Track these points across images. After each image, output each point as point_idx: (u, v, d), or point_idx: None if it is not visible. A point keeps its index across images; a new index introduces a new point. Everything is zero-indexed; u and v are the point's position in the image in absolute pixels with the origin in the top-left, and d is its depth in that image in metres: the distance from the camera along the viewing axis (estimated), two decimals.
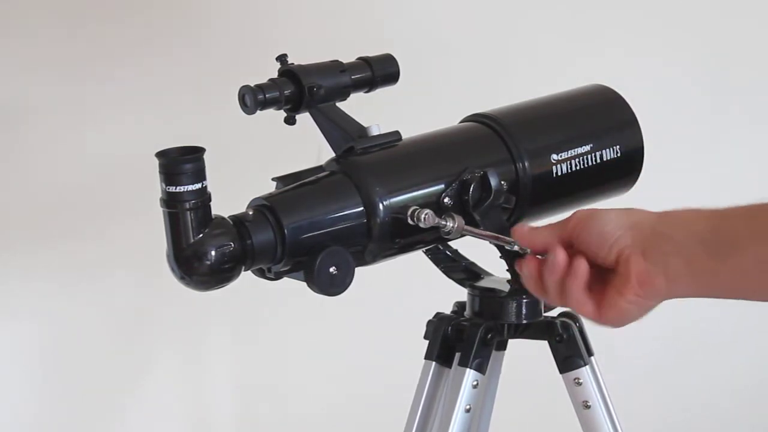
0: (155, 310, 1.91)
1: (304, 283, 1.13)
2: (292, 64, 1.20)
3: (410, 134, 1.23)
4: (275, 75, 1.20)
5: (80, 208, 1.85)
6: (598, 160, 1.27)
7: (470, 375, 1.25)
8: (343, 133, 1.19)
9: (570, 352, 1.27)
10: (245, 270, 1.13)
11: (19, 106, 1.79)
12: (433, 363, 1.30)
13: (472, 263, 1.32)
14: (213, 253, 1.09)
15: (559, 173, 1.25)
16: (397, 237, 1.17)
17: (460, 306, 1.32)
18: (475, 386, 1.25)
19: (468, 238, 1.20)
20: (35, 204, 1.82)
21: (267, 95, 1.17)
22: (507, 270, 1.25)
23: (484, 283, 1.29)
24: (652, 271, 1.04)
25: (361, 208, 1.15)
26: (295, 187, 1.16)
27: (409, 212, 1.16)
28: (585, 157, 1.26)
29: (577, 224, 1.08)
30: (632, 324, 2.12)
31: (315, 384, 2.06)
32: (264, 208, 1.13)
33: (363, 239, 1.16)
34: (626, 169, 1.30)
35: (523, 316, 1.27)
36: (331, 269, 1.12)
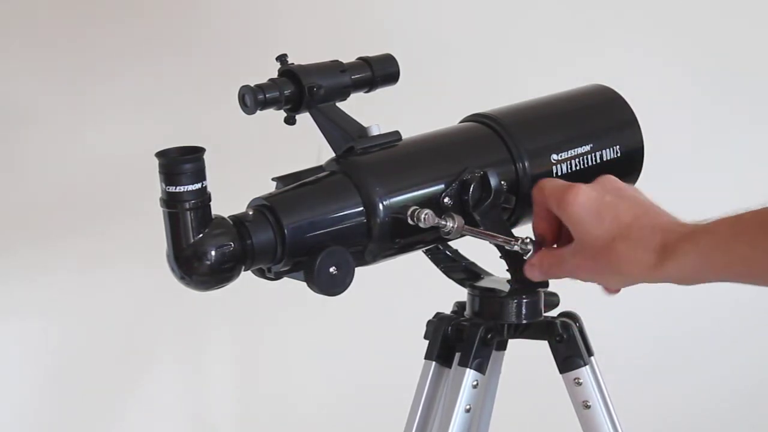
0: (155, 310, 1.91)
1: (304, 283, 1.13)
2: (292, 64, 1.20)
3: (410, 134, 1.23)
4: (275, 75, 1.20)
5: (80, 208, 1.85)
6: (598, 160, 1.27)
7: (470, 375, 1.25)
8: (343, 133, 1.19)
9: (570, 352, 1.26)
10: (245, 270, 1.13)
11: (20, 107, 1.79)
12: (433, 363, 1.30)
13: (472, 263, 1.32)
14: (213, 253, 1.09)
15: (560, 173, 1.25)
16: (397, 237, 1.17)
17: (460, 306, 1.32)
18: (475, 386, 1.25)
19: (468, 238, 1.20)
20: (35, 204, 1.82)
21: (267, 95, 1.17)
22: (507, 270, 1.25)
23: (484, 283, 1.29)
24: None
25: (361, 208, 1.15)
26: (295, 187, 1.16)
27: (409, 212, 1.16)
28: (585, 157, 1.26)
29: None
30: (632, 324, 2.12)
31: (315, 384, 2.06)
32: (264, 208, 1.13)
33: (363, 239, 1.16)
34: (626, 169, 1.30)
35: (523, 316, 1.27)
36: (331, 269, 1.12)
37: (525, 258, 1.21)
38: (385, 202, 1.16)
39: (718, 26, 2.20)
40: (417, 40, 1.94)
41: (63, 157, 1.83)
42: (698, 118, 2.25)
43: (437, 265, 1.31)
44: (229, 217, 1.12)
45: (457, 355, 1.27)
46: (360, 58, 1.24)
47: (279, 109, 1.19)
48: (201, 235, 1.09)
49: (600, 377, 1.29)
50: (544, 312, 1.29)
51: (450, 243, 1.29)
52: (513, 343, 1.31)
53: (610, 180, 1.19)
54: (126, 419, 1.97)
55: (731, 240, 1.05)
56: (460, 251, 1.31)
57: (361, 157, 1.18)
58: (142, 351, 1.94)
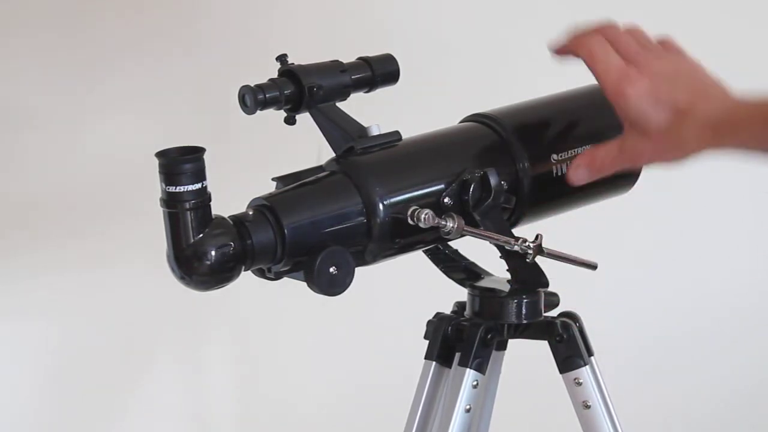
0: (155, 311, 1.91)
1: (305, 283, 1.13)
2: (292, 64, 1.20)
3: (410, 134, 1.23)
4: (275, 75, 1.20)
5: (80, 208, 1.85)
6: None
7: (470, 375, 1.25)
8: (343, 133, 1.19)
9: (570, 352, 1.26)
10: (245, 270, 1.13)
11: (20, 107, 1.79)
12: (433, 363, 1.30)
13: (472, 263, 1.31)
14: (213, 252, 1.09)
15: (560, 173, 1.25)
16: (397, 237, 1.17)
17: (460, 306, 1.32)
18: (475, 386, 1.25)
19: (468, 238, 1.20)
20: (35, 204, 1.82)
21: (267, 95, 1.17)
22: (507, 270, 1.25)
23: (484, 283, 1.29)
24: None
25: (362, 208, 1.15)
26: (295, 187, 1.16)
27: (409, 212, 1.16)
28: None
29: None
30: (632, 324, 2.12)
31: (315, 384, 2.06)
32: (264, 208, 1.13)
33: (363, 239, 1.16)
34: (627, 169, 1.30)
35: (523, 316, 1.27)
36: (331, 269, 1.12)
37: (527, 260, 1.21)
38: (385, 202, 1.16)
39: (718, 26, 2.19)
40: (417, 40, 1.94)
41: (63, 157, 1.83)
42: None
43: (437, 265, 1.31)
44: (229, 217, 1.12)
45: (457, 355, 1.27)
46: (360, 58, 1.24)
47: (279, 109, 1.19)
48: (201, 235, 1.09)
49: (600, 377, 1.29)
50: (544, 312, 1.29)
51: (450, 243, 1.29)
52: (513, 343, 1.31)
53: (661, 60, 1.20)
54: (126, 419, 1.97)
55: None
56: (460, 251, 1.31)
57: (361, 157, 1.18)
58: (142, 351, 1.94)
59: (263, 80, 1.18)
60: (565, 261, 1.24)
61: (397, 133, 1.21)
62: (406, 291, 1.91)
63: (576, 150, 1.26)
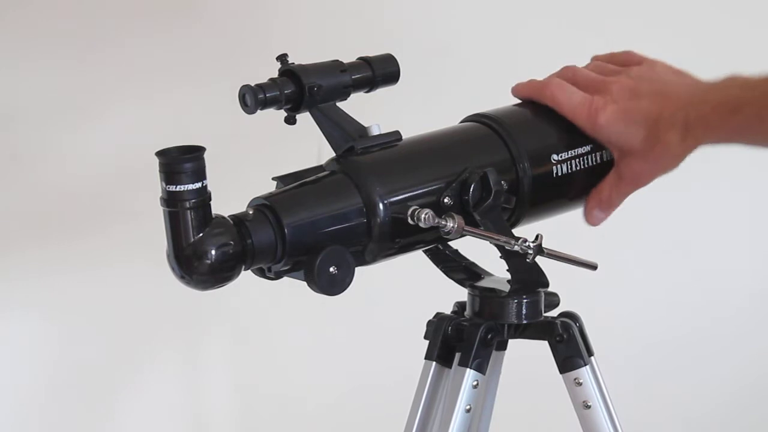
0: (155, 310, 1.91)
1: (304, 283, 1.13)
2: (293, 63, 1.20)
3: (410, 134, 1.23)
4: (275, 75, 1.20)
5: (80, 208, 1.85)
6: (599, 161, 1.27)
7: (470, 375, 1.25)
8: (344, 133, 1.19)
9: (570, 353, 1.26)
10: (245, 269, 1.13)
11: (20, 107, 1.79)
12: (433, 363, 1.30)
13: (472, 263, 1.31)
14: (213, 252, 1.09)
15: (560, 173, 1.25)
16: (397, 237, 1.17)
17: (460, 306, 1.32)
18: (475, 386, 1.25)
19: (468, 238, 1.20)
20: (35, 204, 1.82)
21: (267, 95, 1.17)
22: (507, 270, 1.25)
23: (484, 283, 1.29)
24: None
25: (362, 208, 1.15)
26: (296, 187, 1.16)
27: (409, 212, 1.16)
28: (585, 157, 1.26)
29: None
30: (632, 324, 2.12)
31: (314, 384, 2.06)
32: (264, 207, 1.13)
33: (363, 239, 1.16)
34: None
35: (524, 316, 1.26)
36: (331, 269, 1.12)
37: (527, 260, 1.21)
38: (385, 202, 1.16)
39: (718, 26, 2.19)
40: (417, 40, 1.94)
41: (63, 157, 1.83)
42: None
43: (437, 265, 1.31)
44: (229, 216, 1.12)
45: (457, 355, 1.27)
46: (360, 58, 1.24)
47: (279, 108, 1.19)
48: (201, 235, 1.09)
49: (600, 377, 1.29)
50: (545, 312, 1.28)
51: (450, 243, 1.29)
52: (513, 343, 1.31)
53: (621, 82, 1.21)
54: (126, 419, 1.97)
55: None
56: (460, 251, 1.31)
57: (361, 157, 1.18)
58: (142, 351, 1.94)
59: (263, 80, 1.18)
60: (565, 261, 1.24)
61: (397, 133, 1.21)
62: (406, 291, 1.91)
63: (576, 150, 1.26)
